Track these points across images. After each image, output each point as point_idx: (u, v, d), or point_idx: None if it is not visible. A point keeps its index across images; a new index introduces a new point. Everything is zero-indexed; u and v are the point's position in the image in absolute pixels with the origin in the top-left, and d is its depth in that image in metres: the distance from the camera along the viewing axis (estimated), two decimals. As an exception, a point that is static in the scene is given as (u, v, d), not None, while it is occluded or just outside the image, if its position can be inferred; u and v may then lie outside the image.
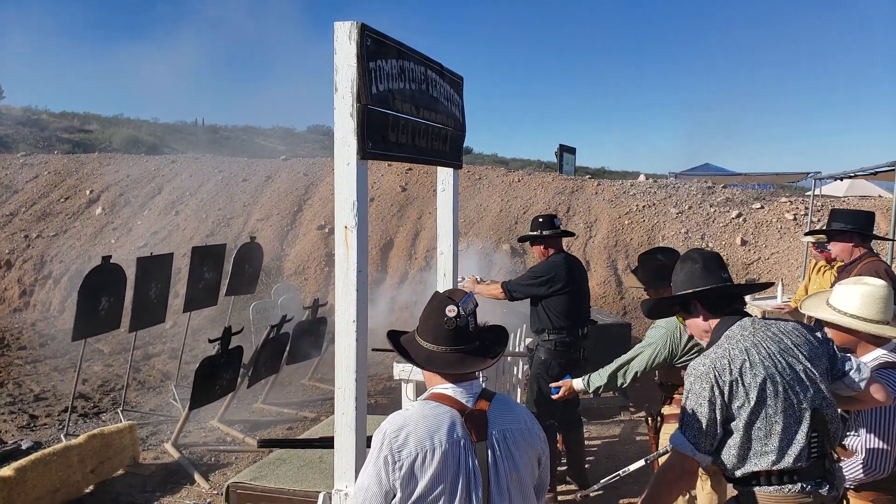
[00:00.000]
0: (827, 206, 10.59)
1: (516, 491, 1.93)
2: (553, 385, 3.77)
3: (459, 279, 5.20)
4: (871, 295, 2.55)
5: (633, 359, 3.43)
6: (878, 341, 2.60)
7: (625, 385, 3.48)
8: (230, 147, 22.35)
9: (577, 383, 3.60)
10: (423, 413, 1.89)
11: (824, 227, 4.43)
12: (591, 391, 3.56)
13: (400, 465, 1.82)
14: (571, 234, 5.33)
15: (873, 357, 2.59)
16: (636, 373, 3.42)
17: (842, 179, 9.16)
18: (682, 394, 3.42)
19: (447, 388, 1.96)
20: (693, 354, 3.31)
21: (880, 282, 2.60)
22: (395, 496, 1.85)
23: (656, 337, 3.38)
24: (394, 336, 2.13)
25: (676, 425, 3.44)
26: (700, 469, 3.59)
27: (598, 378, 3.49)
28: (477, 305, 2.04)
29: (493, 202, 11.90)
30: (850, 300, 2.58)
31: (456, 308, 1.95)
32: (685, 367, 3.36)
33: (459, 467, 1.85)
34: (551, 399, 4.46)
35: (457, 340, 1.96)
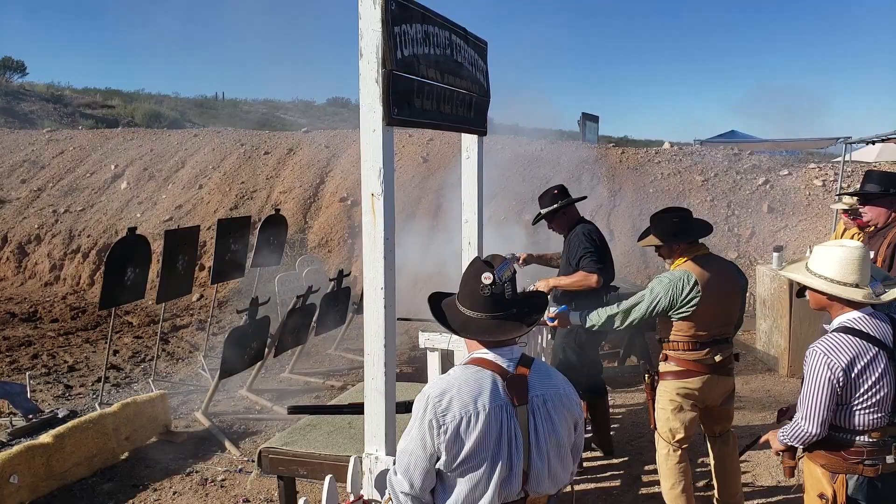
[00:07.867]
0: (857, 172, 10.35)
1: (555, 454, 1.96)
2: (549, 315, 3.76)
3: (531, 286, 4.73)
4: (843, 257, 2.55)
5: (634, 305, 3.46)
6: (853, 304, 2.57)
7: (620, 329, 3.53)
8: (251, 121, 22.39)
9: (574, 317, 3.66)
10: (465, 377, 1.90)
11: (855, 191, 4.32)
12: (585, 326, 3.61)
13: (445, 428, 1.83)
14: (583, 198, 5.16)
15: (839, 321, 2.57)
16: (634, 319, 3.45)
17: (874, 143, 8.89)
18: (673, 349, 3.44)
19: (487, 353, 1.96)
20: (692, 307, 3.33)
21: (857, 244, 2.59)
22: (438, 459, 1.87)
23: (659, 286, 3.41)
24: (436, 299, 2.13)
25: (671, 381, 3.44)
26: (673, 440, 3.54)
27: (597, 317, 3.54)
28: (515, 272, 2.03)
29: (515, 172, 11.80)
30: (825, 263, 2.59)
31: (492, 275, 1.94)
32: (680, 321, 3.37)
33: (502, 431, 1.87)
34: (577, 369, 4.48)
35: (493, 307, 1.96)
